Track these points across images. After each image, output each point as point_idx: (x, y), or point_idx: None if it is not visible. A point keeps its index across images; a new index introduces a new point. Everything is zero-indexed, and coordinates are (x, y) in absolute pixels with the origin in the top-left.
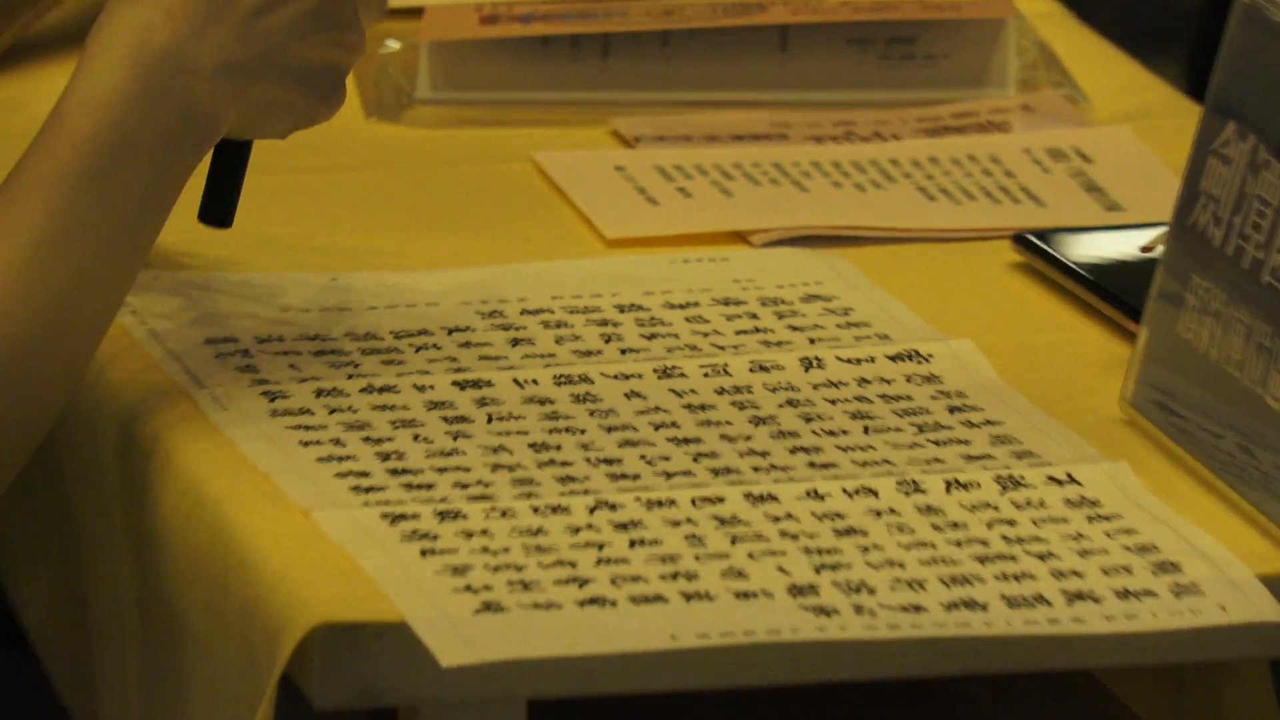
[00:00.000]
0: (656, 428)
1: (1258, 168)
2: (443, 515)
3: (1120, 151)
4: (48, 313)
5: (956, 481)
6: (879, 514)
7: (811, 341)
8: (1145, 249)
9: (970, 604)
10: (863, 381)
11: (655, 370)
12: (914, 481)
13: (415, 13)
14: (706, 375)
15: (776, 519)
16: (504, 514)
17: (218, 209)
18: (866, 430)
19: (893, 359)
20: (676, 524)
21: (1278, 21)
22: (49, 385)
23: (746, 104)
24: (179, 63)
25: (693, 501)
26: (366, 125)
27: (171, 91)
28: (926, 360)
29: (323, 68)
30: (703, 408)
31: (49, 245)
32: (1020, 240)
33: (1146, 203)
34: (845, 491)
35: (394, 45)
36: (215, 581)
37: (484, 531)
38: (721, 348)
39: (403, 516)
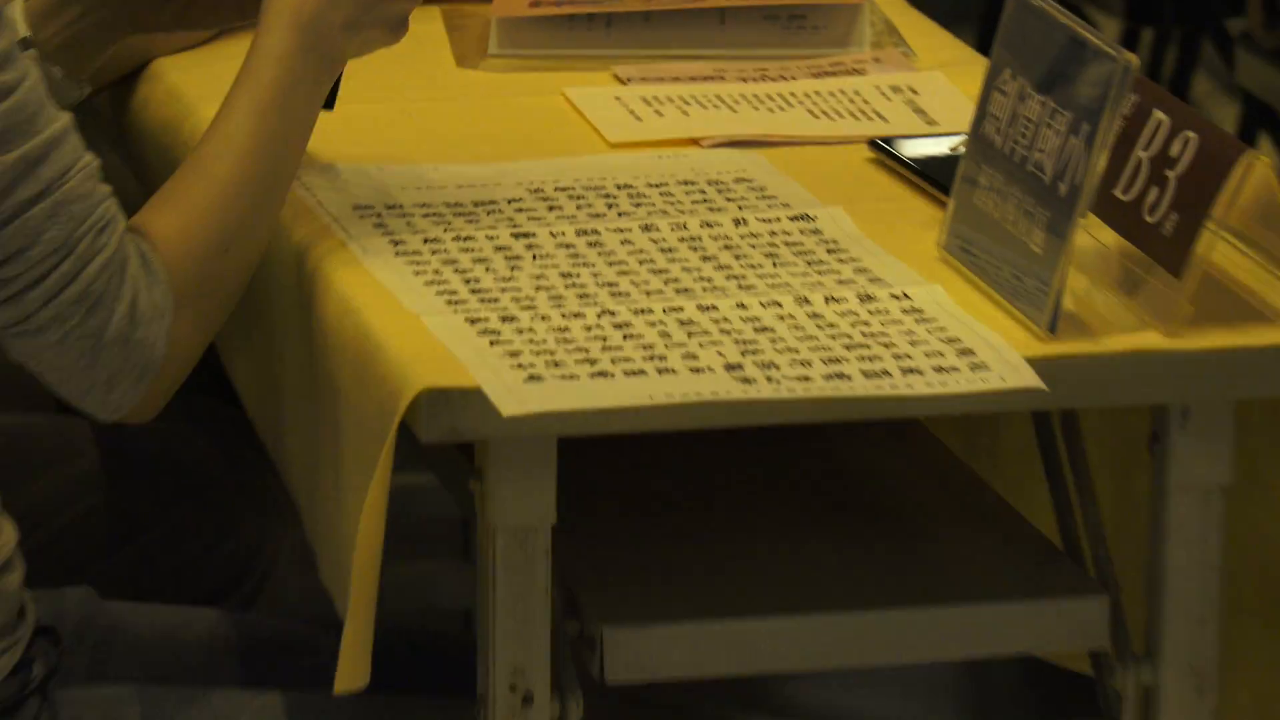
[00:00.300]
0: (641, 263)
1: (1024, 97)
2: (504, 319)
3: (936, 87)
4: (261, 189)
5: (832, 297)
6: (782, 318)
7: (740, 208)
8: (953, 149)
9: (841, 375)
10: (772, 234)
11: (640, 226)
12: (805, 298)
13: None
14: (673, 229)
15: (717, 321)
16: (543, 318)
17: (326, 100)
18: (775, 264)
19: (791, 219)
20: (653, 324)
21: (1034, 4)
22: (263, 233)
23: (698, 57)
24: (321, 25)
25: (663, 310)
26: (457, 70)
27: (318, 45)
28: (813, 220)
29: (398, 14)
30: (670, 250)
31: (258, 148)
32: (873, 144)
33: (954, 120)
34: (760, 303)
35: (477, 21)
36: (358, 360)
37: (530, 329)
38: (682, 211)
39: (478, 319)
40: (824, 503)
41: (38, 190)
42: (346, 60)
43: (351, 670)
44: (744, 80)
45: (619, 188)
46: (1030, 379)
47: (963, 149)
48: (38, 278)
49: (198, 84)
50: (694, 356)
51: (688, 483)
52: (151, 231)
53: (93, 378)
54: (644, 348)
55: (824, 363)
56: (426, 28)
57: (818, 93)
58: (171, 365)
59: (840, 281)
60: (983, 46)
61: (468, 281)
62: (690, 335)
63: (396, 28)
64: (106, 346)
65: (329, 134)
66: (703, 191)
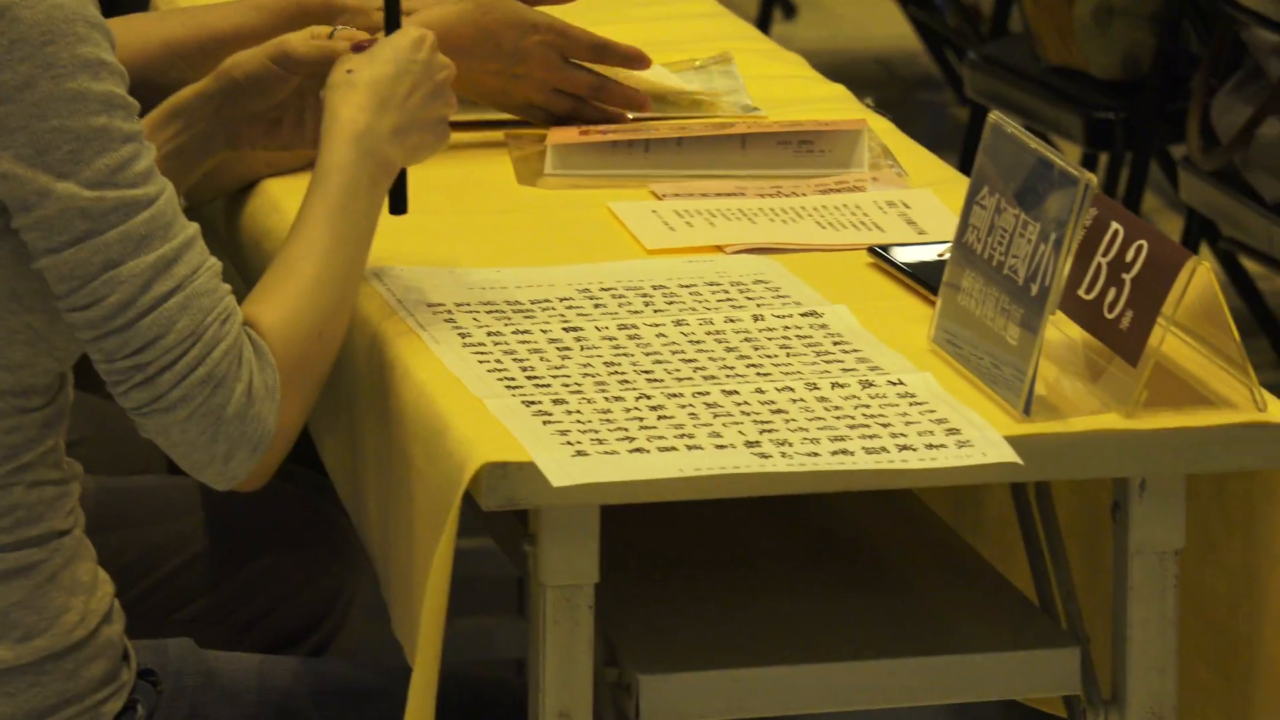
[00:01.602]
0: (673, 353)
1: (1000, 211)
2: (555, 402)
3: (926, 202)
4: (342, 280)
5: (837, 383)
6: (794, 401)
7: (758, 305)
8: (940, 255)
9: (845, 451)
10: (786, 328)
11: (673, 321)
12: (814, 384)
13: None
14: (701, 324)
15: (738, 404)
16: (589, 401)
17: (397, 206)
18: (788, 355)
19: (803, 315)
20: (683, 407)
21: (1008, 131)
22: (347, 317)
23: (723, 176)
24: (372, 135)
25: (693, 394)
26: (518, 188)
27: (372, 152)
28: (821, 316)
29: (438, 119)
30: (699, 342)
31: (335, 247)
32: (872, 251)
33: (941, 230)
34: (775, 389)
35: (535, 146)
36: (428, 437)
37: (578, 411)
38: (709, 309)
39: (533, 402)
40: (829, 564)
41: (172, 286)
42: (399, 164)
43: (419, 714)
44: (762, 196)
45: (655, 288)
46: (1008, 455)
47: (948, 255)
48: (170, 362)
49: (296, 196)
50: (718, 435)
51: (711, 545)
52: (257, 322)
53: (214, 451)
54: (675, 427)
55: (830, 440)
56: (491, 152)
57: (824, 207)
58: (279, 439)
59: (844, 369)
60: (964, 167)
61: (524, 369)
62: (715, 416)
63: (439, 133)
64: (227, 422)
65: (408, 240)
66: (726, 291)
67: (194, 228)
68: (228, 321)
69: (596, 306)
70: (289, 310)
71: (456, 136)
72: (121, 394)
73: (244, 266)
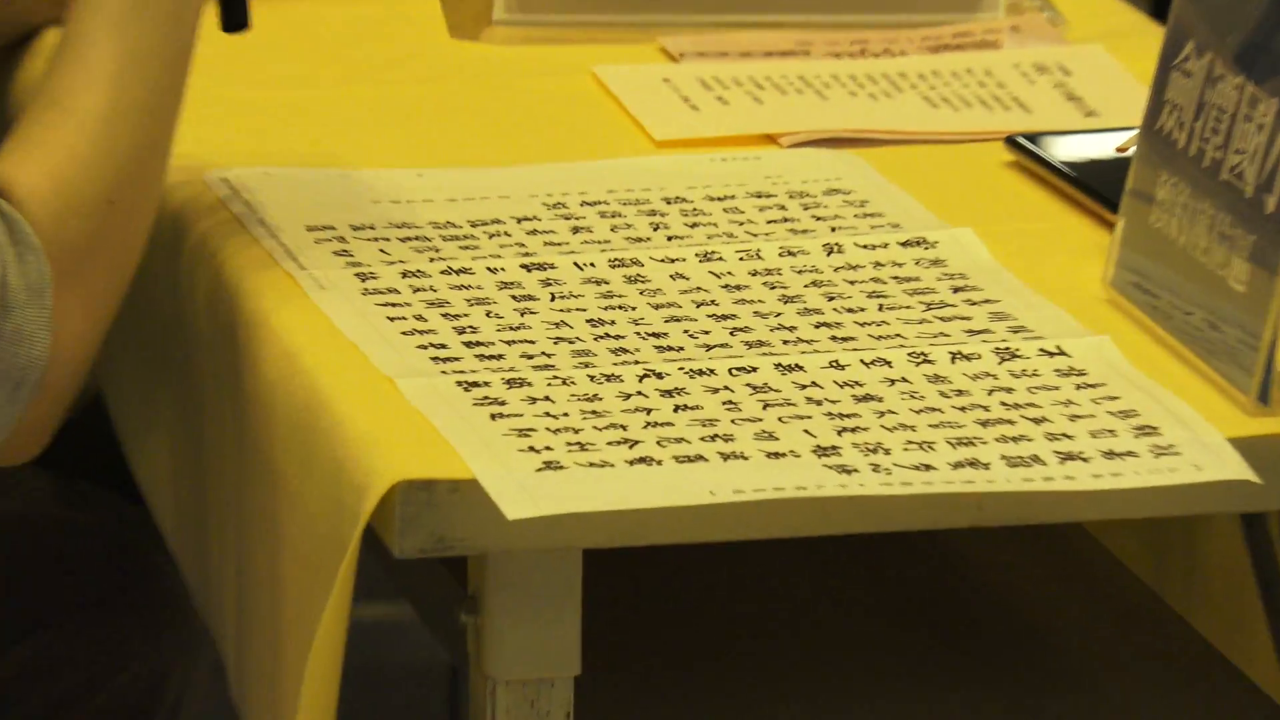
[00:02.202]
0: (698, 305)
1: (1214, 80)
2: (510, 383)
3: (1095, 66)
4: (140, 120)
5: (960, 353)
6: (892, 382)
7: (833, 229)
8: (1120, 149)
9: (974, 463)
10: (877, 265)
11: (697, 255)
12: (923, 353)
13: None
14: (741, 259)
15: (803, 386)
16: (564, 382)
17: (234, 19)
18: (881, 308)
19: (903, 245)
20: (715, 391)
21: None
22: (152, 180)
23: (775, 25)
24: None
25: (730, 371)
26: (450, 44)
27: None
28: (933, 246)
29: None
30: (738, 288)
31: (123, 70)
32: (1011, 142)
33: (1119, 110)
34: (863, 362)
35: None
36: (307, 440)
37: (546, 398)
38: (754, 235)
39: (475, 384)
40: (946, 638)
41: None
42: None
43: None
44: (836, 56)
45: (668, 202)
46: (1238, 469)
47: (1133, 149)
48: None
49: None
50: (772, 436)
51: (760, 611)
52: (14, 187)
53: None
54: (702, 424)
55: (951, 445)
56: None
57: (936, 73)
58: (58, 369)
59: (971, 332)
60: (1158, 9)
61: (461, 331)
62: (766, 407)
63: None
64: None
65: (275, 123)
66: (782, 207)
67: None
68: None
69: (575, 231)
70: (61, 165)
71: None
72: None
73: None
